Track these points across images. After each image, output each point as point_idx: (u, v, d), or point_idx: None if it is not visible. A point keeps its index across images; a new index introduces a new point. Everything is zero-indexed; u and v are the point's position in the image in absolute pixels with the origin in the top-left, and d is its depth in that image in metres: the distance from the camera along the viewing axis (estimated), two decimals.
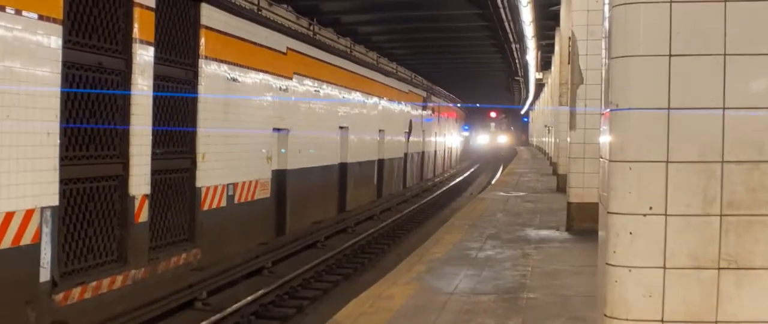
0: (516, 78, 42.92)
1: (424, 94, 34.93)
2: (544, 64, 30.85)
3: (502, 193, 18.54)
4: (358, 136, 23.00)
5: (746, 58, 3.44)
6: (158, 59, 10.93)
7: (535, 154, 46.43)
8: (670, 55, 3.44)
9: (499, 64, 36.78)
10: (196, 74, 12.23)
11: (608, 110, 3.64)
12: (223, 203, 13.21)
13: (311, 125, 18.22)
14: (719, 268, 3.51)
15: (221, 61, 13.04)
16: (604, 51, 3.83)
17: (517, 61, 33.56)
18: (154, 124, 10.82)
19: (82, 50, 9.33)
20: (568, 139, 11.97)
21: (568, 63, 12.65)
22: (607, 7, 3.68)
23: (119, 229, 10.09)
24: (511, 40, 27.02)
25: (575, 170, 11.46)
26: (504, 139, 73.41)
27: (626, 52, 3.51)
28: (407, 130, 30.73)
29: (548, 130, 32.58)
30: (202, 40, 12.34)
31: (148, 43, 10.55)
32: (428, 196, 28.32)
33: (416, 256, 9.21)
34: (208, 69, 12.57)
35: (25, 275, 8.22)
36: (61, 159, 8.79)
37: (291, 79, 16.65)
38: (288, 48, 16.45)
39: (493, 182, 23.57)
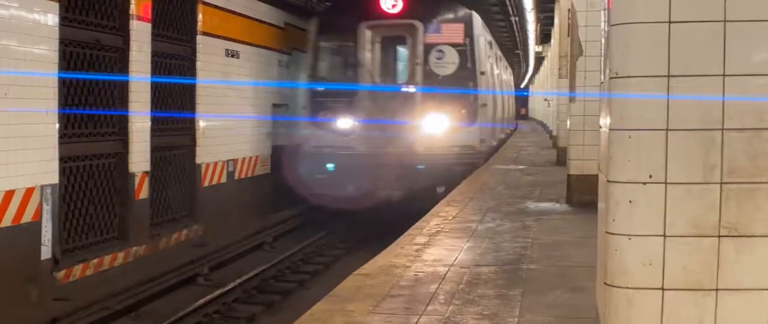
0: (516, 52, 42.74)
1: None
2: (544, 38, 30.72)
3: (501, 166, 18.52)
4: None
5: (746, 24, 3.41)
6: (156, 36, 10.89)
7: (535, 128, 46.36)
8: (670, 22, 3.41)
9: (498, 36, 36.63)
10: (194, 50, 12.19)
11: (607, 79, 3.62)
12: (224, 179, 13.22)
13: None
14: (720, 236, 3.49)
15: (219, 37, 12.99)
16: (603, 23, 3.80)
17: (516, 34, 33.42)
18: (152, 102, 10.81)
19: (79, 27, 9.30)
20: (568, 112, 11.93)
21: (568, 35, 12.57)
22: None
23: (120, 206, 10.11)
24: (511, 13, 26.88)
25: (575, 142, 11.42)
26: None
27: (626, 18, 3.48)
28: None
29: (548, 103, 32.47)
30: (200, 16, 12.28)
31: (146, 20, 10.50)
32: None
33: (416, 229, 9.22)
34: (207, 45, 12.52)
35: (27, 253, 8.24)
36: (60, 137, 8.79)
37: (290, 54, 16.59)
38: (286, 23, 16.37)
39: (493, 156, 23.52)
